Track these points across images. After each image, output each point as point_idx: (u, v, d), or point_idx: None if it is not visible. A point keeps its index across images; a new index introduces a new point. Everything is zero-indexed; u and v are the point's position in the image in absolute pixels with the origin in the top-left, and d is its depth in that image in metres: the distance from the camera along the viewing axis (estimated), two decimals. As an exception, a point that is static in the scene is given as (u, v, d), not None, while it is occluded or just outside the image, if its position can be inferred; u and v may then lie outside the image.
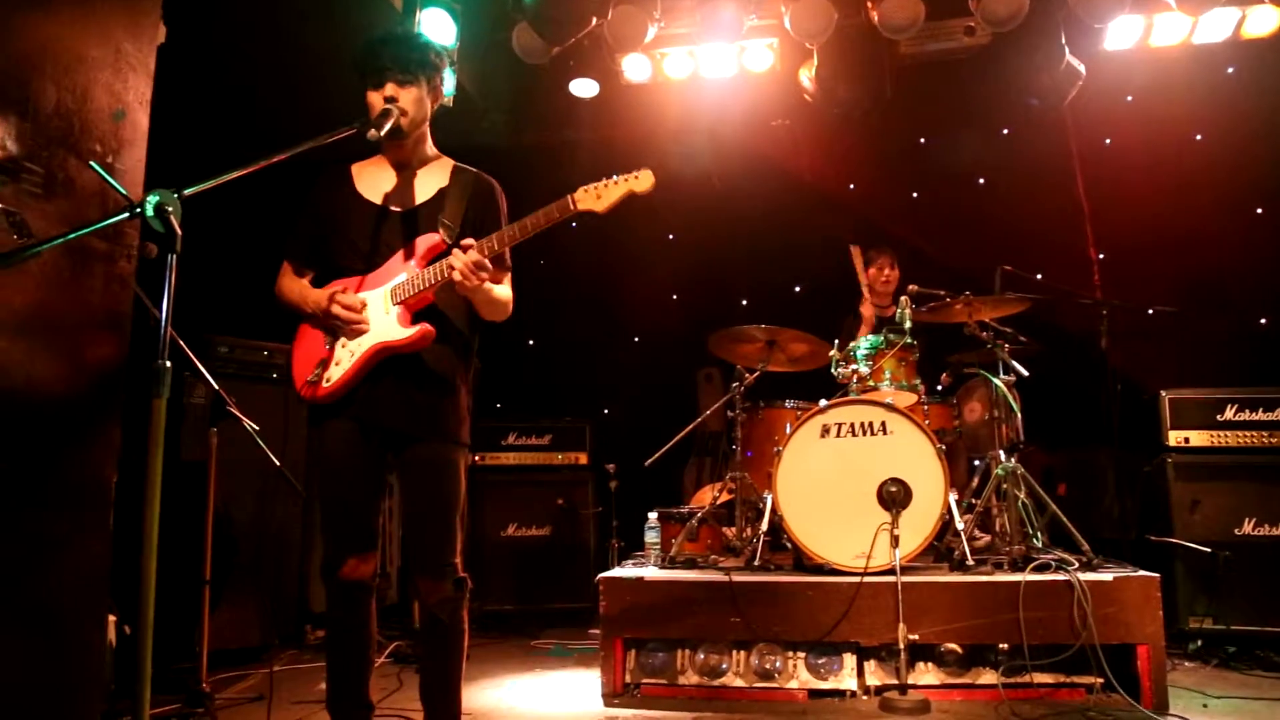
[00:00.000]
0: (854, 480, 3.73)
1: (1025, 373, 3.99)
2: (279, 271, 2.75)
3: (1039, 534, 3.85)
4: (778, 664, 3.56)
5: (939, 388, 4.68)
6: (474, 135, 5.98)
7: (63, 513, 2.34)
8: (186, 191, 1.87)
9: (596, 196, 2.58)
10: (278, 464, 3.22)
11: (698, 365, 6.38)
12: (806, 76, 5.52)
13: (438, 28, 5.08)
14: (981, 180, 6.46)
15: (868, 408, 3.87)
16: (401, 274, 2.59)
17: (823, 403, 3.98)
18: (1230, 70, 5.79)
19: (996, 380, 4.04)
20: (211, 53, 4.06)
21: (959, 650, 3.49)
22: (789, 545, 3.94)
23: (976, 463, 4.43)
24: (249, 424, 3.15)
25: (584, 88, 5.79)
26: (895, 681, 3.37)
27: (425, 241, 2.61)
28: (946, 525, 3.78)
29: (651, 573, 3.83)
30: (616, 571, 3.89)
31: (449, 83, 5.08)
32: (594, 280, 6.63)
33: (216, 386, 3.20)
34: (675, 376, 6.51)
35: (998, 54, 5.46)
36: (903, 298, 4.24)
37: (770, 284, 6.55)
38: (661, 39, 5.44)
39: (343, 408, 2.58)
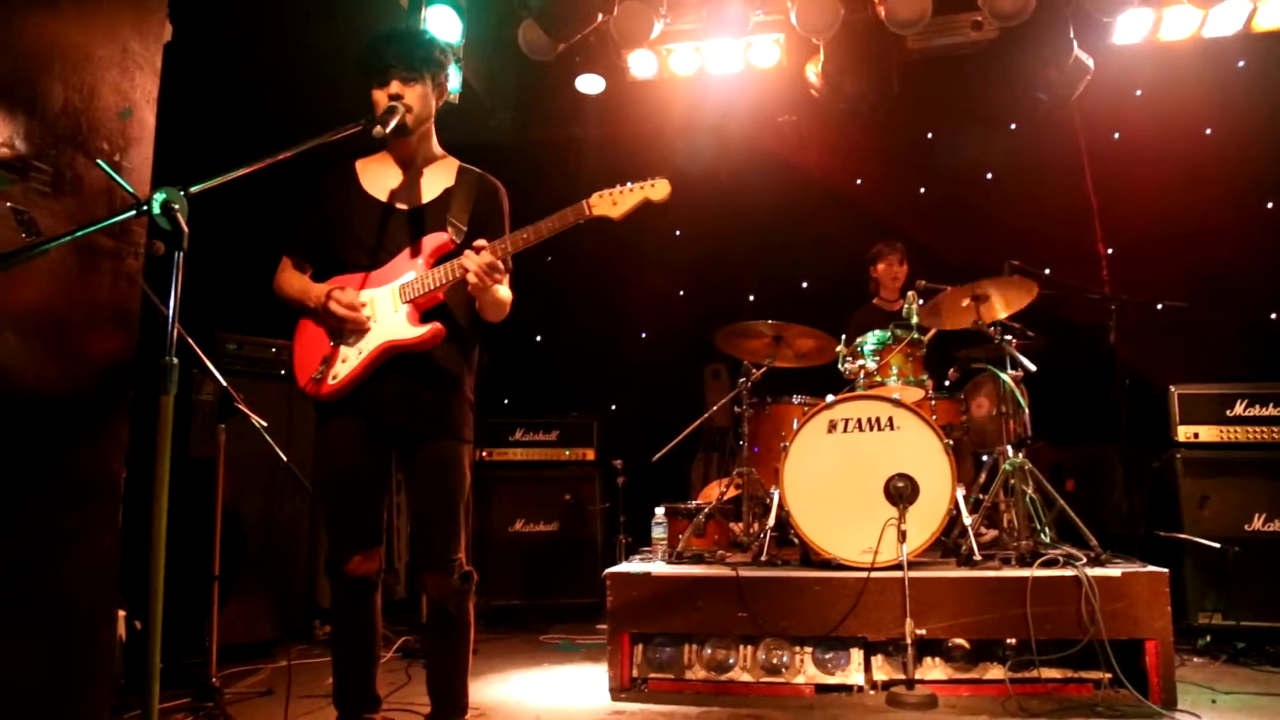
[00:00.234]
0: (861, 476, 3.73)
1: (1033, 368, 3.97)
2: (278, 266, 2.75)
3: (1047, 529, 3.84)
4: (785, 659, 3.56)
5: (946, 383, 4.67)
6: (480, 132, 6.00)
7: (72, 508, 2.36)
8: (193, 189, 1.87)
9: (612, 203, 2.57)
10: (285, 460, 3.24)
11: (705, 361, 6.38)
12: (813, 72, 5.51)
13: (443, 24, 5.09)
14: (989, 175, 6.44)
15: (875, 403, 3.86)
16: (409, 272, 2.59)
17: (830, 398, 3.98)
18: (1241, 64, 5.75)
19: (1004, 376, 4.02)
20: (217, 51, 4.07)
21: (966, 645, 3.48)
22: (796, 541, 3.94)
23: (984, 458, 4.41)
24: (257, 420, 3.16)
25: (590, 84, 5.79)
26: (902, 676, 3.37)
27: (433, 240, 2.62)
28: (954, 521, 3.78)
29: (659, 568, 3.84)
30: (624, 567, 3.90)
31: (454, 79, 5.09)
32: (601, 276, 6.64)
33: (225, 383, 3.21)
34: (682, 372, 6.52)
35: (1005, 49, 5.44)
36: (910, 293, 4.23)
37: (777, 279, 6.55)
38: (667, 35, 5.44)
39: (349, 405, 2.59)
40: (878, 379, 4.19)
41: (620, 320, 6.81)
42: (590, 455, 5.67)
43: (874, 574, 3.49)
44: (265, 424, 3.17)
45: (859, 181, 6.68)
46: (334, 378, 2.57)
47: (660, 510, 4.37)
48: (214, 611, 3.43)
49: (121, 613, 3.03)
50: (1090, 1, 4.86)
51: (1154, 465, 4.55)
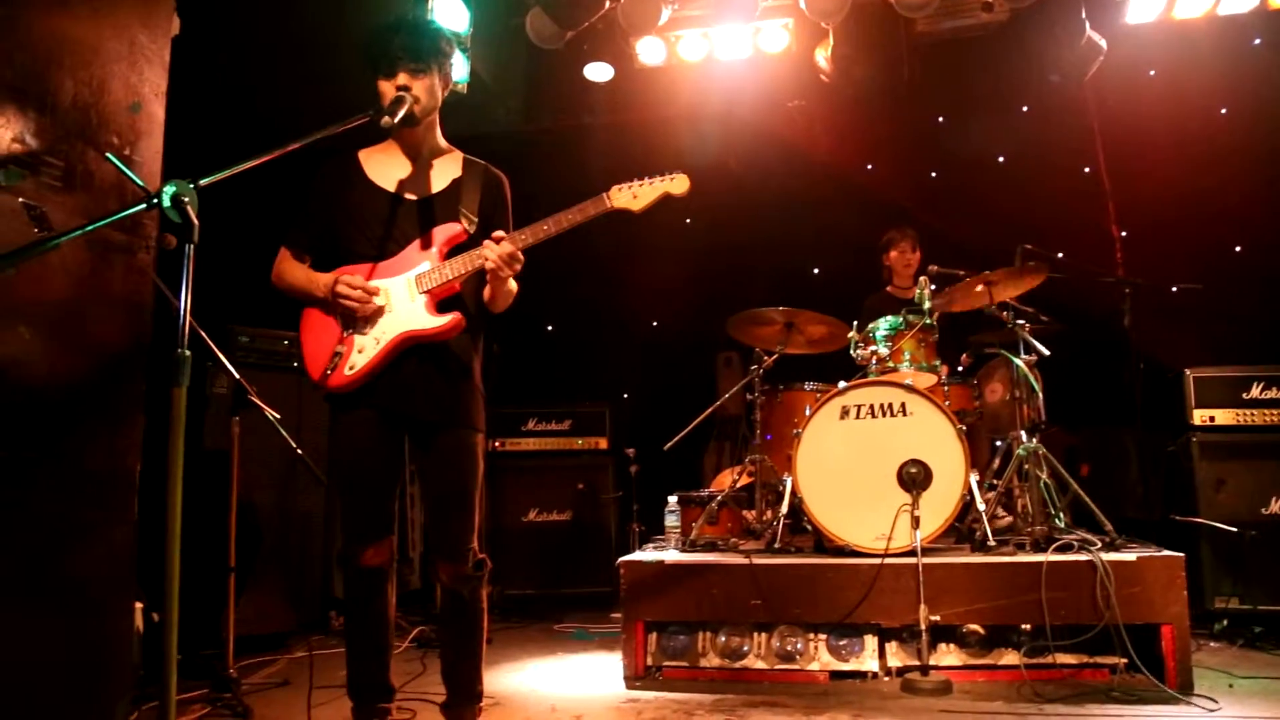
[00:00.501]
0: (874, 462, 3.72)
1: (1046, 352, 3.94)
2: (276, 257, 2.72)
3: (1061, 514, 3.82)
4: (799, 646, 3.56)
5: (959, 368, 4.65)
6: (488, 121, 5.98)
7: (88, 500, 2.37)
8: (202, 182, 1.88)
9: (633, 196, 2.57)
10: (299, 452, 3.25)
11: (717, 349, 6.38)
12: (822, 56, 5.47)
13: (450, 13, 5.07)
14: (1001, 159, 6.37)
15: (887, 389, 3.84)
16: (424, 263, 2.59)
17: (842, 384, 3.96)
18: (1257, 41, 5.66)
19: (1018, 360, 4.00)
20: (226, 43, 4.07)
21: (981, 631, 3.48)
22: (809, 528, 3.94)
23: (998, 443, 4.39)
24: (270, 413, 3.17)
25: (598, 72, 5.77)
26: (917, 663, 3.36)
27: (445, 231, 2.62)
28: (968, 506, 3.76)
29: (672, 556, 3.84)
30: (637, 555, 3.91)
31: (460, 68, 5.08)
32: (611, 265, 6.61)
33: (238, 376, 3.23)
34: (694, 360, 6.51)
35: (1016, 30, 5.39)
36: (922, 278, 4.21)
37: (788, 266, 6.51)
38: (675, 21, 5.41)
39: (363, 397, 2.59)
40: (890, 365, 4.18)
41: (631, 309, 6.81)
42: (603, 444, 5.67)
43: (888, 560, 3.48)
44: (279, 416, 3.18)
45: (869, 167, 6.63)
46: (350, 368, 2.57)
47: (673, 498, 4.38)
48: (230, 603, 3.45)
49: (139, 604, 3.05)
50: (1103, -19, 4.82)
51: (1169, 449, 4.52)
